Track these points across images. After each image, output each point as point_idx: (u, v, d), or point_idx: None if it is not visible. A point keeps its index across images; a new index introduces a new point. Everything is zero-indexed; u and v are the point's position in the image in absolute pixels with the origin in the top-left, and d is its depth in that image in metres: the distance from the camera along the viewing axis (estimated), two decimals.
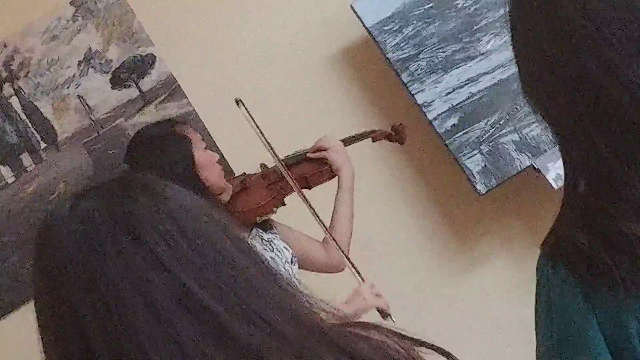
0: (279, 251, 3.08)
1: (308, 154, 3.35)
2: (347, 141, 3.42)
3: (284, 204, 3.19)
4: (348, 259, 3.13)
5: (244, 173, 3.34)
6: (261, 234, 3.12)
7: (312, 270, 3.26)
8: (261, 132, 3.13)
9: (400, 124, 3.64)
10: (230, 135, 3.49)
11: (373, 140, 3.61)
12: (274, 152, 3.15)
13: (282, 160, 3.22)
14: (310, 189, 3.28)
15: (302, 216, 3.18)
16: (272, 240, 3.11)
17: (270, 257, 3.03)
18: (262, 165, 3.30)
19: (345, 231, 3.24)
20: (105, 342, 1.03)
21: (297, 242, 3.23)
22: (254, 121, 3.13)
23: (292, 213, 3.19)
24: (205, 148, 3.06)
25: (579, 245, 1.36)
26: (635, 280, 1.34)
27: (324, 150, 3.29)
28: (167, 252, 1.06)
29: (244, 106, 3.14)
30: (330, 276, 3.35)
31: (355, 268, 3.11)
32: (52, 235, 1.11)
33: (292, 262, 3.10)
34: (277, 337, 1.06)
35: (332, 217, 3.26)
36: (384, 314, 3.00)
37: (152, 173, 2.93)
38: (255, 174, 3.30)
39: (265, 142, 3.13)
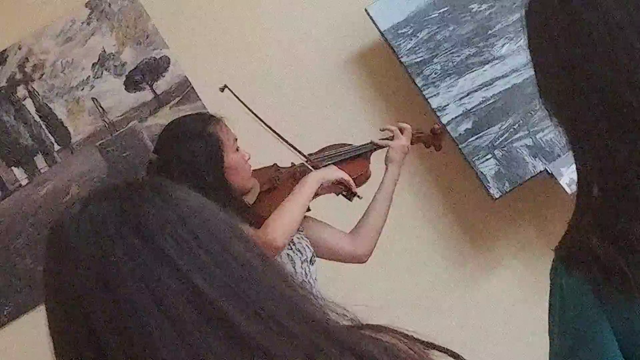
0: (298, 250, 3.07)
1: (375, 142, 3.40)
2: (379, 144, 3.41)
3: (308, 209, 3.17)
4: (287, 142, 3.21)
5: (275, 164, 3.32)
6: None
7: (337, 261, 3.26)
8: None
9: (440, 128, 3.64)
10: (245, 138, 3.48)
11: (410, 144, 3.58)
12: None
13: (309, 157, 3.24)
14: (350, 200, 3.26)
15: (328, 209, 3.17)
16: (292, 241, 3.09)
17: (287, 253, 3.02)
18: (292, 165, 3.30)
19: (377, 224, 3.26)
20: (116, 343, 1.03)
21: (321, 233, 3.22)
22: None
23: (319, 206, 3.18)
24: (237, 149, 3.05)
25: (593, 250, 1.36)
26: None
27: (398, 132, 3.33)
28: (178, 252, 1.06)
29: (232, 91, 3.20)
30: (348, 275, 3.35)
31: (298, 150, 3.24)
32: (63, 237, 1.11)
33: (310, 261, 3.09)
34: (287, 338, 1.06)
35: (369, 206, 3.27)
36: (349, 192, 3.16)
37: (178, 168, 2.93)
38: (285, 170, 3.29)
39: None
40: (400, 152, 3.32)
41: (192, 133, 3.00)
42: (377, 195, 3.27)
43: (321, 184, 3.08)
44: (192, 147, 2.95)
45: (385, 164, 3.33)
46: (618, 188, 1.36)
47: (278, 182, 3.20)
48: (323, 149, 3.38)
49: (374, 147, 3.39)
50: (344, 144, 3.39)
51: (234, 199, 2.96)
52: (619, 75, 1.34)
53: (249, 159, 3.07)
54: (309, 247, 3.12)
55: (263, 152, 3.25)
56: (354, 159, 3.32)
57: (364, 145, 3.39)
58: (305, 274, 3.04)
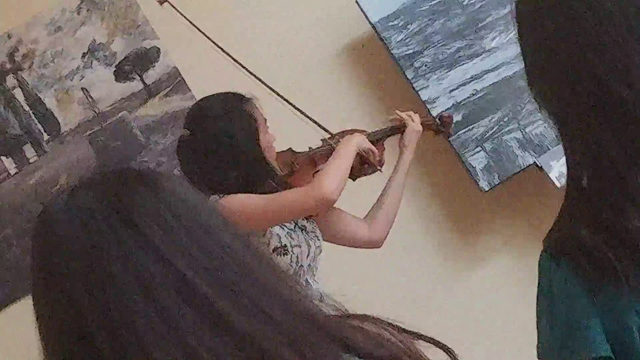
0: (316, 237, 3.08)
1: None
2: (386, 132, 3.40)
3: None
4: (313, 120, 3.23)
5: (290, 149, 3.28)
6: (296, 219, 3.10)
7: (350, 245, 3.26)
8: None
9: (449, 115, 3.62)
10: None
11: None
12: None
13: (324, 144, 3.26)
14: (354, 179, 3.24)
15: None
16: (305, 226, 3.09)
17: (305, 238, 3.02)
18: (310, 149, 3.28)
19: (392, 208, 3.27)
20: (103, 331, 1.03)
21: (338, 219, 3.21)
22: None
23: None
24: (267, 130, 3.04)
25: (582, 241, 1.36)
26: (638, 276, 1.33)
27: (406, 119, 3.34)
28: (165, 241, 1.06)
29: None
30: (338, 270, 3.35)
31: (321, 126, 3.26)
32: (50, 227, 1.10)
33: (320, 249, 3.09)
34: (272, 326, 1.06)
35: (383, 192, 3.27)
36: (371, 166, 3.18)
37: (214, 144, 2.92)
38: (303, 155, 3.27)
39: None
40: (414, 136, 3.31)
41: (229, 110, 2.99)
42: (391, 180, 3.27)
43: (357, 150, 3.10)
44: (230, 124, 2.94)
45: (400, 149, 3.32)
46: (608, 179, 1.36)
47: (297, 166, 3.19)
48: (343, 132, 3.36)
49: (392, 132, 3.37)
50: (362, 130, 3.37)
51: (274, 174, 2.97)
52: (608, 66, 1.34)
53: (274, 141, 3.07)
54: (321, 237, 3.12)
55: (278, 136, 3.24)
56: (376, 142, 3.30)
57: (384, 129, 3.38)
58: (314, 259, 3.05)
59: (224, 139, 2.92)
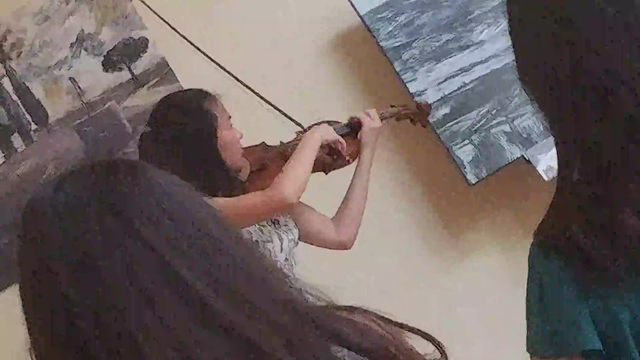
0: (290, 230, 3.07)
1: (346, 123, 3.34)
2: (346, 127, 3.37)
3: None
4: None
5: (263, 142, 3.28)
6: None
7: (320, 246, 3.25)
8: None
9: (426, 103, 3.61)
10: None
11: (397, 120, 3.56)
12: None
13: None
14: (326, 173, 3.24)
15: (313, 193, 3.17)
16: (278, 220, 3.09)
17: (277, 232, 3.02)
18: (281, 143, 3.27)
19: (357, 210, 3.24)
20: (92, 325, 1.02)
21: (305, 217, 3.20)
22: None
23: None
24: (230, 127, 3.04)
25: (573, 237, 1.36)
26: (629, 272, 1.34)
27: (364, 119, 3.30)
28: (154, 234, 1.06)
29: None
30: (325, 264, 3.35)
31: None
32: (37, 217, 1.10)
33: (296, 242, 3.09)
34: (261, 318, 1.06)
35: (347, 194, 3.25)
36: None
37: (171, 141, 2.93)
38: (273, 150, 3.26)
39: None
40: (372, 135, 3.27)
41: (187, 107, 2.98)
42: (353, 180, 3.25)
43: (321, 143, 3.06)
44: (186, 121, 2.93)
45: (359, 148, 3.28)
46: (599, 173, 1.36)
47: (268, 162, 3.19)
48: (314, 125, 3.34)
49: (352, 126, 3.34)
50: (335, 121, 3.36)
51: (228, 175, 2.96)
52: (600, 60, 1.34)
53: (241, 137, 3.06)
54: (295, 228, 3.11)
55: (252, 130, 3.23)
56: (346, 135, 3.29)
57: (347, 123, 3.34)
58: (289, 252, 3.04)
59: (178, 136, 2.92)
